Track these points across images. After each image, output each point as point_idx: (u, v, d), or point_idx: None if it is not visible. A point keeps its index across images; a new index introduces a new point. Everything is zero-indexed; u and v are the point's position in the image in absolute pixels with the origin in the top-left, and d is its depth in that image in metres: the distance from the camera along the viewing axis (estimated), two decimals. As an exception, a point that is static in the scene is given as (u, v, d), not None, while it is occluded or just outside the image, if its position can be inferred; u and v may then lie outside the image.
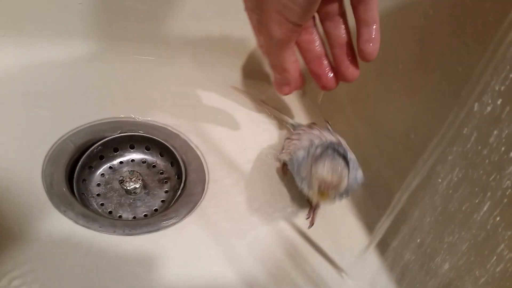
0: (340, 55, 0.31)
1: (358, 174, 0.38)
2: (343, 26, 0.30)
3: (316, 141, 0.39)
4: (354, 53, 0.30)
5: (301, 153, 0.39)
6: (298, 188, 0.40)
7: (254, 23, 0.30)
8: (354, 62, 0.31)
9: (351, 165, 0.36)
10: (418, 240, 0.36)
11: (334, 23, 0.30)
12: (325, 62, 0.32)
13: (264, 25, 0.28)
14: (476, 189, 0.32)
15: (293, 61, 0.30)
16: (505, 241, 0.30)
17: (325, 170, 0.35)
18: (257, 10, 0.28)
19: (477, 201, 0.32)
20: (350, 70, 0.31)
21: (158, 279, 0.35)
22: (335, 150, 0.36)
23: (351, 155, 0.38)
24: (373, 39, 0.29)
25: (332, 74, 0.31)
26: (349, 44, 0.30)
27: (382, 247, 0.40)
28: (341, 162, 0.35)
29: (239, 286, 0.37)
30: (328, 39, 0.31)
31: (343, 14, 0.30)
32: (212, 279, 0.36)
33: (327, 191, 0.35)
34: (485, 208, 0.32)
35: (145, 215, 0.41)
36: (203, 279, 0.36)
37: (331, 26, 0.30)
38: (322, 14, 0.30)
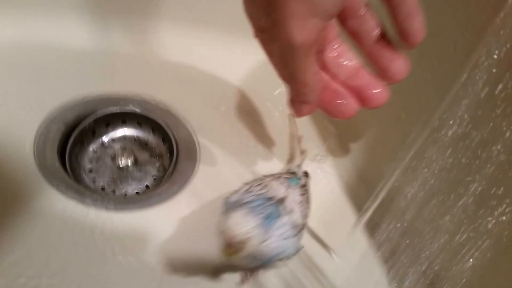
0: (378, 51, 0.25)
1: (284, 244, 0.32)
2: (371, 18, 0.25)
3: (257, 190, 0.34)
4: (394, 44, 0.25)
5: (234, 197, 0.33)
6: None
7: (265, 42, 0.25)
8: (399, 54, 0.25)
9: (277, 231, 0.31)
10: (407, 219, 0.37)
11: (359, 19, 0.25)
12: (366, 73, 0.26)
13: (280, 27, 0.22)
14: (465, 168, 0.32)
15: (316, 72, 0.25)
16: (493, 219, 0.31)
17: (230, 222, 0.30)
18: (270, 10, 0.22)
19: (466, 179, 0.32)
20: (397, 65, 0.25)
21: (149, 256, 0.36)
22: (262, 205, 0.31)
23: (286, 220, 0.32)
24: (415, 11, 0.23)
25: (380, 84, 0.26)
26: (385, 36, 0.25)
27: (371, 226, 0.40)
28: (257, 220, 0.30)
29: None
30: (357, 40, 0.26)
31: (367, 5, 0.25)
32: (203, 256, 0.37)
33: (227, 247, 0.30)
34: (473, 187, 0.32)
35: (137, 192, 0.42)
36: (194, 256, 0.37)
37: (357, 23, 0.25)
38: (341, 14, 0.25)
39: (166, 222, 0.38)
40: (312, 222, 0.41)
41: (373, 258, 0.41)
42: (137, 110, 0.45)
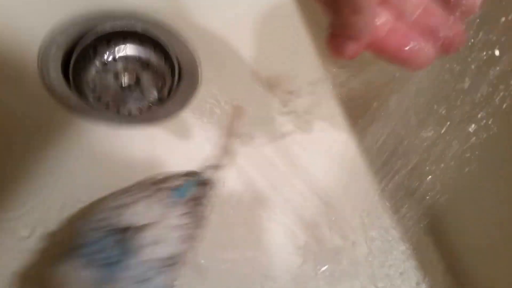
0: None
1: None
2: None
3: (108, 217, 0.26)
4: None
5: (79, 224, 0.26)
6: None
7: None
8: None
9: (128, 274, 0.24)
10: (393, 124, 0.39)
11: None
12: (438, 8, 0.21)
13: None
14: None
15: None
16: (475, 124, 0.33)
17: (61, 281, 0.24)
18: None
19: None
20: None
21: (154, 171, 0.37)
22: (104, 248, 0.24)
23: (144, 258, 0.24)
24: None
25: (457, 22, 0.21)
26: None
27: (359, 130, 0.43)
28: (96, 273, 0.23)
29: (231, 176, 0.40)
30: None
31: None
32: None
33: None
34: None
35: (140, 110, 0.43)
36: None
37: None
38: None
39: (171, 139, 0.40)
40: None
41: (361, 161, 0.44)
42: (139, 27, 0.44)
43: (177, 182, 0.29)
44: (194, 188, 0.29)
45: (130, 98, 0.44)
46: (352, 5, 0.19)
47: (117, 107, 0.43)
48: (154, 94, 0.45)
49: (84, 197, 0.35)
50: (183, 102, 0.42)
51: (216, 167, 0.33)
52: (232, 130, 0.36)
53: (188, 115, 0.42)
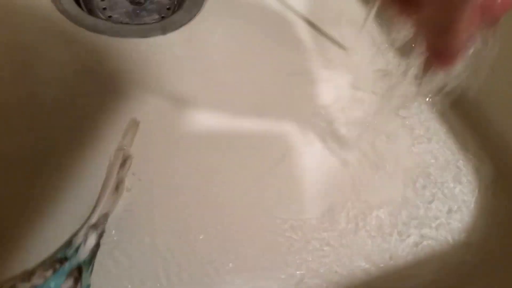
0: None
1: None
2: None
3: None
4: None
5: None
6: None
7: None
8: None
9: None
10: None
11: None
12: None
13: None
14: None
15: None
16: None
17: None
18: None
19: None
20: None
21: (176, 80, 0.38)
22: None
23: None
24: None
25: None
26: None
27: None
28: None
29: (243, 87, 0.40)
30: None
31: None
32: (216, 70, 0.40)
33: None
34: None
35: (154, 22, 0.44)
36: (206, 74, 0.39)
37: None
38: None
39: (184, 45, 0.41)
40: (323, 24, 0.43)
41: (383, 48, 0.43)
42: None
43: (36, 280, 0.22)
44: (60, 280, 0.22)
45: (142, 13, 0.44)
46: (453, 31, 0.19)
47: (131, 22, 0.43)
48: (164, 7, 0.45)
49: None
50: (195, 11, 0.42)
51: (97, 227, 0.24)
52: (123, 149, 0.28)
53: (200, 22, 0.42)
